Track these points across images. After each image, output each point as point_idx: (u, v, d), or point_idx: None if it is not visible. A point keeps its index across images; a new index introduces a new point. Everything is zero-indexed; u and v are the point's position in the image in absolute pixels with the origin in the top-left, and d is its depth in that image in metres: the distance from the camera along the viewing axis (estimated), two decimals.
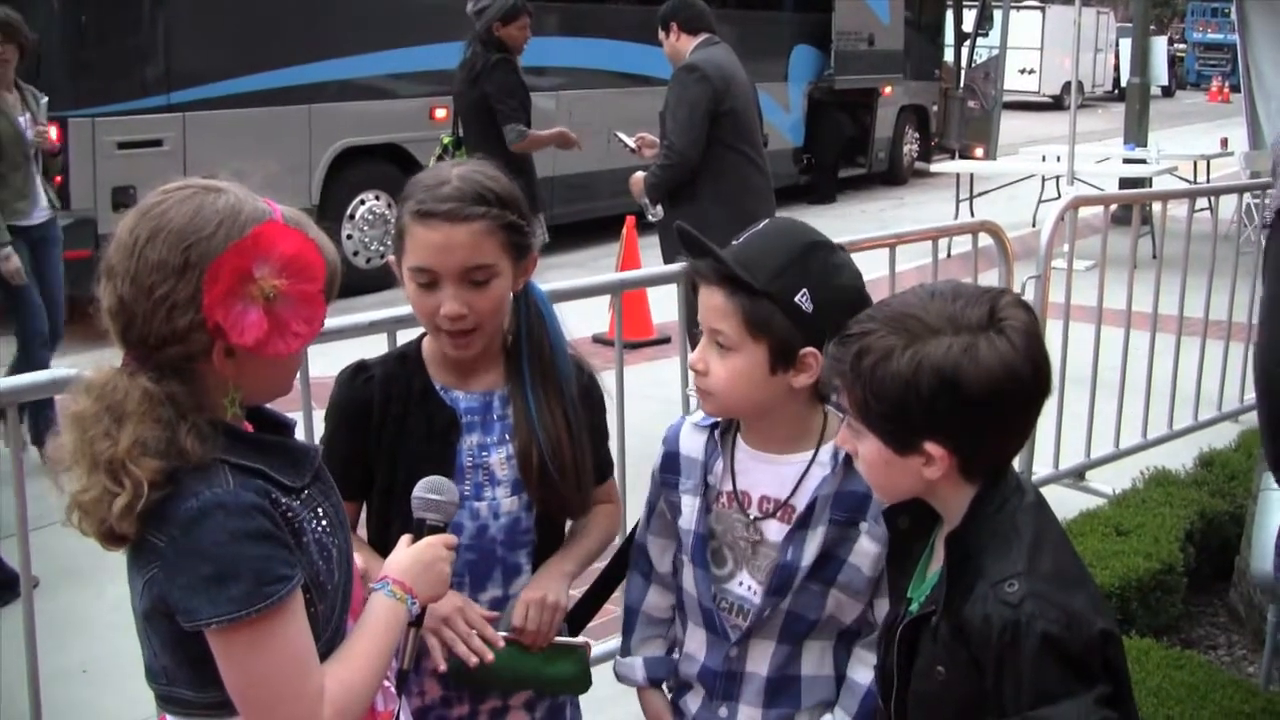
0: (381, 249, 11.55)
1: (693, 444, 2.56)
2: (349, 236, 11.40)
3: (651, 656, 2.69)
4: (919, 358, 1.89)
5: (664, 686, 2.71)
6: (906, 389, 1.90)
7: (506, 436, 2.57)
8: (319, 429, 2.71)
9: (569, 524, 2.74)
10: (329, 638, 1.99)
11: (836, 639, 2.47)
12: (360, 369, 2.62)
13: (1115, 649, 1.89)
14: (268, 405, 2.08)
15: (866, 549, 2.38)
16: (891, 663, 2.10)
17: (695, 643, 2.57)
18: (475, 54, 7.78)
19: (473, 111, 7.87)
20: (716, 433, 2.54)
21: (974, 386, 1.88)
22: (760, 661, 2.47)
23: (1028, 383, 1.93)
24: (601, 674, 2.82)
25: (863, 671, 2.42)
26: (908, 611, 2.10)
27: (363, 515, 2.67)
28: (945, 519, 2.06)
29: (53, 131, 7.47)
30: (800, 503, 2.41)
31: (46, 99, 7.31)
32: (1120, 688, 1.88)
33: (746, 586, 2.47)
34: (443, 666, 2.45)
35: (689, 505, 2.53)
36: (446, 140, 8.15)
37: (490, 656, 2.46)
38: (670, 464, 2.59)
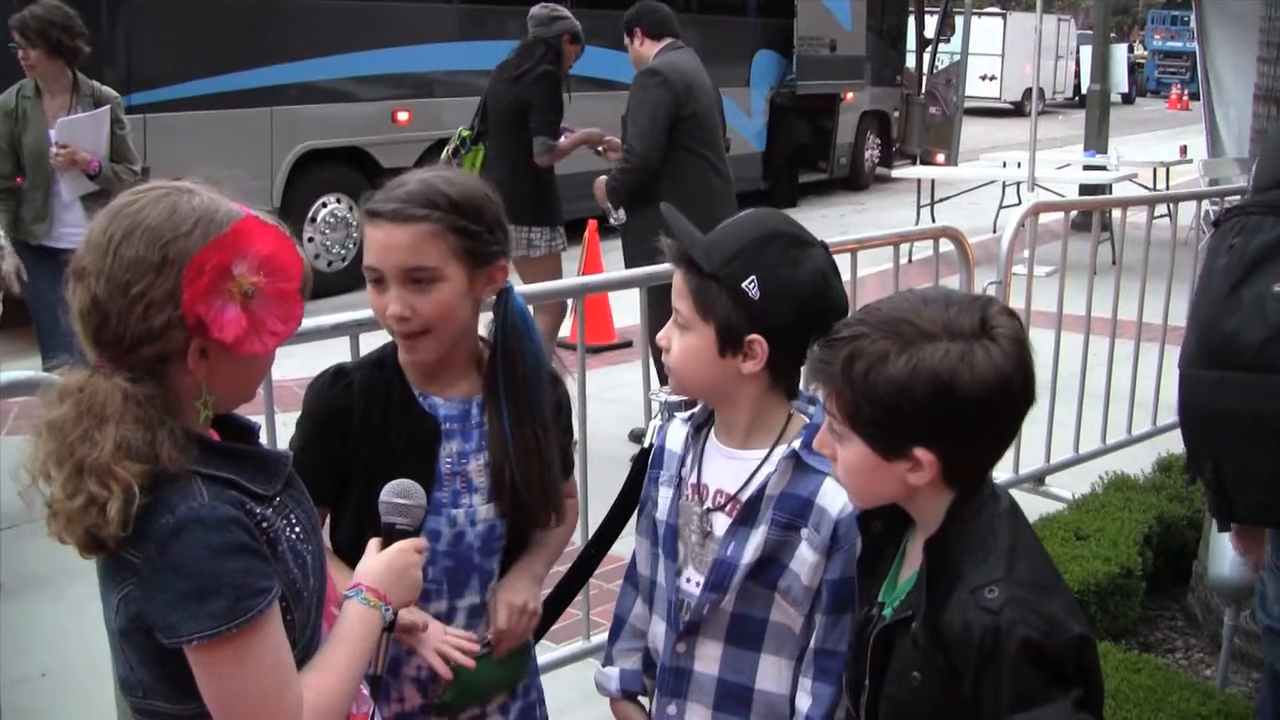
0: (343, 252, 11.51)
1: (676, 437, 2.58)
2: (310, 239, 11.34)
3: (629, 669, 2.68)
4: (914, 363, 1.90)
5: (639, 697, 2.69)
6: (901, 394, 1.90)
7: (484, 444, 2.56)
8: (282, 431, 2.70)
9: None
10: (305, 644, 1.98)
11: (798, 662, 2.44)
12: (339, 374, 2.59)
13: (1090, 653, 1.90)
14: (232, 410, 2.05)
15: (805, 556, 2.36)
16: (864, 668, 2.09)
17: (657, 638, 2.57)
18: (524, 57, 7.58)
19: (507, 114, 7.58)
20: (691, 426, 2.56)
21: (969, 393, 1.89)
22: (709, 662, 2.46)
23: (1019, 390, 1.94)
24: (567, 678, 2.82)
25: (804, 699, 2.40)
26: (881, 616, 2.09)
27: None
28: (921, 524, 2.06)
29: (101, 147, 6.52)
30: (747, 498, 2.41)
31: (113, 103, 6.64)
32: (1093, 690, 1.89)
33: (694, 583, 2.46)
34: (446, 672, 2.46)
35: (664, 497, 2.54)
36: (465, 133, 7.96)
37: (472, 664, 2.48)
38: (656, 458, 2.61)
